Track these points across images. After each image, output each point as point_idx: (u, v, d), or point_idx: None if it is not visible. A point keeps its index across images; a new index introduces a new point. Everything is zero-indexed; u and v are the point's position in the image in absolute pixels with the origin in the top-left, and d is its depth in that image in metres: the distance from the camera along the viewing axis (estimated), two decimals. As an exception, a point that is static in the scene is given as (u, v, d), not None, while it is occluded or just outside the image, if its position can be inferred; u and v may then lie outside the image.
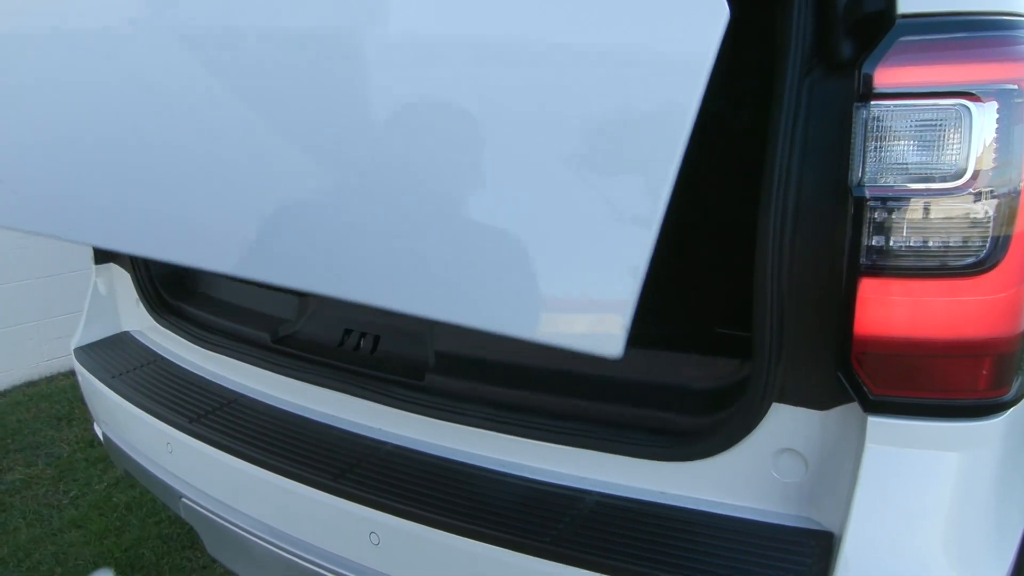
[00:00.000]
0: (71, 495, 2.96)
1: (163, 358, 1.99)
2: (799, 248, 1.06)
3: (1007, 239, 0.98)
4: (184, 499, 1.71)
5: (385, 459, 1.43)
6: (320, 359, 1.68)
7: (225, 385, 1.80)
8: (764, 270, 1.09)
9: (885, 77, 0.98)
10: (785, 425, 1.15)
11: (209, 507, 1.64)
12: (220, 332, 1.89)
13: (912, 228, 1.00)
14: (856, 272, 1.02)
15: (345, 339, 1.73)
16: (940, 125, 0.97)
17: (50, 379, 4.10)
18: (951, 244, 0.99)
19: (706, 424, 1.26)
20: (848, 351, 1.05)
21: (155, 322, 2.04)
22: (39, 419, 3.62)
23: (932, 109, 0.97)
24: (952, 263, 0.99)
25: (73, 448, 3.32)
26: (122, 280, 2.18)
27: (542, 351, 1.48)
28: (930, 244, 1.00)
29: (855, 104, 1.00)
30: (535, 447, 1.36)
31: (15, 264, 3.93)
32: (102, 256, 2.18)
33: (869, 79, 0.99)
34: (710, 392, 1.33)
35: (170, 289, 2.11)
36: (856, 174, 1.01)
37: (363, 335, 1.70)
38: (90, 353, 2.07)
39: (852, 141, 1.01)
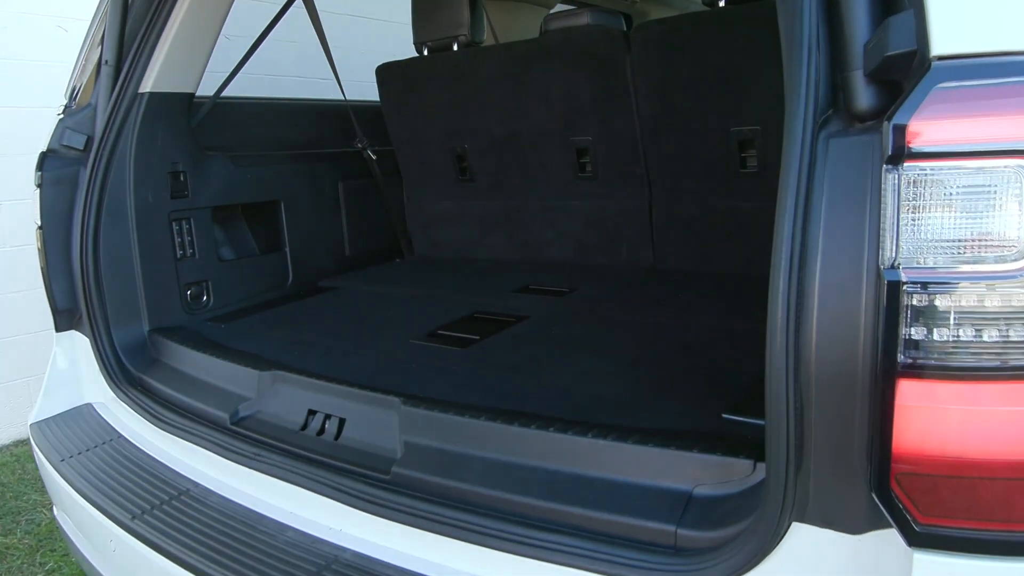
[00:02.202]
0: (47, 568, 2.77)
1: (120, 437, 1.82)
2: (818, 341, 0.87)
3: (1084, 331, 0.78)
4: (129, 605, 1.52)
5: (343, 572, 1.24)
6: (279, 444, 1.49)
7: (179, 471, 1.61)
8: (777, 365, 0.89)
9: (921, 133, 0.79)
10: (808, 550, 0.94)
11: (152, 618, 1.45)
12: (178, 409, 1.72)
13: (962, 319, 0.80)
14: (893, 372, 0.82)
15: (308, 421, 1.54)
16: (992, 191, 0.78)
17: (40, 437, 3.95)
18: (1012, 338, 0.79)
19: (712, 541, 1.05)
20: (887, 470, 0.84)
21: (114, 395, 1.87)
22: (23, 481, 3.46)
23: (981, 172, 0.78)
24: (1015, 362, 0.79)
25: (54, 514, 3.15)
26: (85, 347, 2.03)
27: (526, 444, 1.29)
28: (985, 338, 0.79)
29: (884, 166, 0.81)
30: (517, 563, 1.15)
31: (4, 320, 3.82)
32: (63, 323, 2.03)
33: (901, 135, 0.80)
34: (716, 500, 1.12)
35: (132, 358, 1.95)
36: (888, 253, 0.81)
37: (328, 417, 1.52)
38: (45, 430, 1.90)
39: (882, 212, 0.82)
